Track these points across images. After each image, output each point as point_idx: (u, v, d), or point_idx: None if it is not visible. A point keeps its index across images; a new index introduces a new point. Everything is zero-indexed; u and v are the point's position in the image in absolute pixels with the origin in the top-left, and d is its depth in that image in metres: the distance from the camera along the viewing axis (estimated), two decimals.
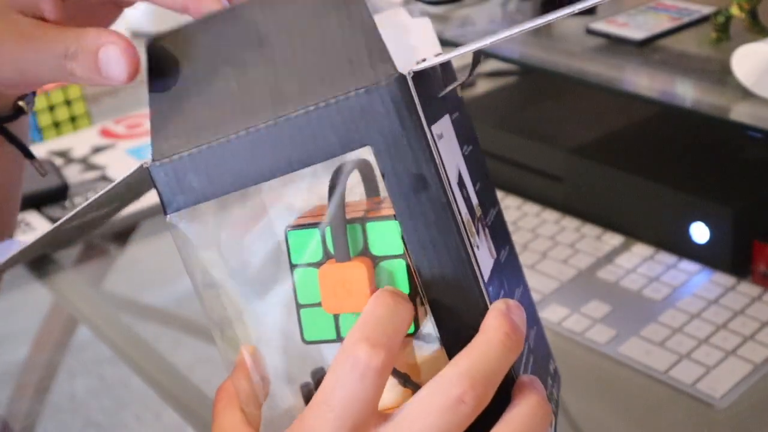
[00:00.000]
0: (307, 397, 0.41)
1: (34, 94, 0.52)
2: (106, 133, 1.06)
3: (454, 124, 0.40)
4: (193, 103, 0.37)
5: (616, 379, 0.66)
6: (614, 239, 0.80)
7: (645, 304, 0.72)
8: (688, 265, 0.75)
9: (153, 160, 0.36)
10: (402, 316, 0.35)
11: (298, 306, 0.39)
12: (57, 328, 1.06)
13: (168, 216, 0.37)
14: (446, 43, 1.03)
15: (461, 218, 0.36)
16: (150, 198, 1.00)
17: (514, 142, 0.89)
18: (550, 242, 0.81)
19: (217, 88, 0.37)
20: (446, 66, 0.41)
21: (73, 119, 1.07)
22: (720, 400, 0.62)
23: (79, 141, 1.04)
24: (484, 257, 0.38)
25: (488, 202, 0.43)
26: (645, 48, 0.82)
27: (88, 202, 0.38)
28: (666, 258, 0.77)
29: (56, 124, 1.06)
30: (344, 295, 0.38)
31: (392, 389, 0.40)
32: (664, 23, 0.85)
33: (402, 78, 0.35)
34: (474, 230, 0.37)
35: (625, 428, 0.63)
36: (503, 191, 0.89)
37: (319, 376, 0.41)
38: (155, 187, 0.37)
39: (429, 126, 0.35)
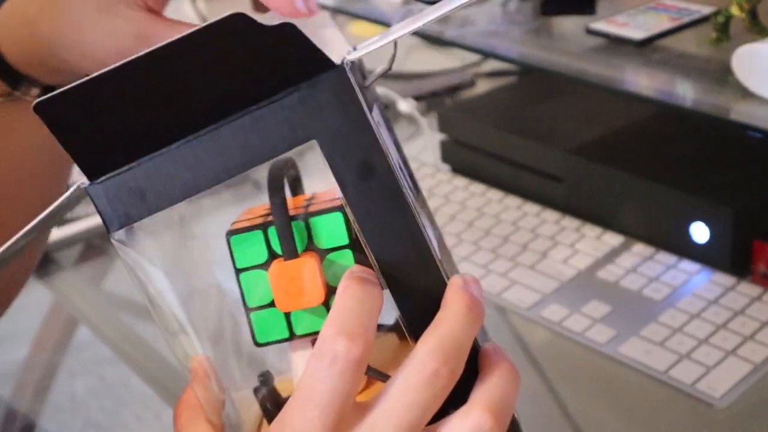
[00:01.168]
0: (263, 401, 0.42)
1: None
2: None
3: (381, 113, 0.42)
4: (112, 123, 0.36)
5: (616, 379, 0.66)
6: (614, 239, 0.80)
7: (645, 304, 0.72)
8: (688, 265, 0.75)
9: (90, 179, 0.36)
10: (373, 301, 0.35)
11: (248, 310, 0.39)
12: (57, 328, 1.06)
13: (112, 235, 0.36)
14: (446, 43, 1.03)
15: (411, 200, 0.36)
16: None
17: (514, 142, 0.89)
18: (550, 242, 0.81)
19: (133, 107, 0.36)
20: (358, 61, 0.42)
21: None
22: (720, 400, 0.62)
23: None
24: (431, 235, 0.38)
25: (414, 186, 0.44)
26: (645, 48, 0.82)
27: (25, 230, 0.37)
28: (666, 258, 0.77)
29: None
30: (297, 292, 0.38)
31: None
32: (664, 23, 0.85)
33: (340, 68, 0.35)
34: (418, 211, 0.38)
35: (625, 428, 0.63)
36: (503, 191, 0.89)
37: (267, 378, 0.42)
38: (95, 206, 0.36)
39: (370, 113, 0.36)
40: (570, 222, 0.83)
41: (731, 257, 0.74)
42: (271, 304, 0.40)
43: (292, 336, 0.40)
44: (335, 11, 1.24)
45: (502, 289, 0.76)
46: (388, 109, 1.08)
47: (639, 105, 0.85)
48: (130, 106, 0.35)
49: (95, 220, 0.88)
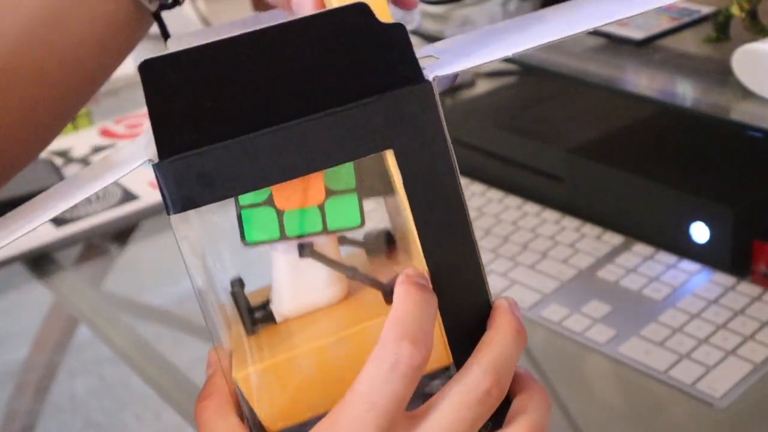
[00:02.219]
0: (236, 297, 0.42)
1: None
2: (106, 133, 1.06)
3: None
4: (202, 99, 0.35)
5: (616, 379, 0.66)
6: (614, 239, 0.80)
7: (645, 304, 0.72)
8: (688, 265, 0.75)
9: (160, 156, 0.35)
10: (433, 308, 0.36)
11: (239, 207, 0.39)
12: (57, 328, 1.06)
13: (171, 216, 0.36)
14: None
15: (470, 219, 0.37)
16: (150, 198, 1.01)
17: (514, 142, 0.89)
18: (550, 242, 0.81)
19: (229, 87, 0.36)
20: None
21: (73, 119, 1.07)
22: (720, 399, 0.62)
23: (79, 141, 1.04)
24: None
25: None
26: (645, 48, 0.82)
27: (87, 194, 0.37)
28: (666, 258, 0.77)
29: None
30: (299, 190, 0.39)
31: (337, 283, 0.42)
32: (664, 23, 0.85)
33: (428, 84, 0.35)
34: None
35: (625, 428, 0.63)
36: (503, 191, 0.89)
37: (237, 287, 0.42)
38: (160, 184, 0.35)
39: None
40: (570, 222, 0.83)
41: (731, 257, 0.74)
42: (267, 202, 0.40)
43: (282, 236, 0.40)
44: None
45: (502, 289, 0.76)
46: None
47: (639, 105, 0.85)
48: (223, 84, 0.34)
49: (95, 220, 0.88)
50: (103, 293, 0.90)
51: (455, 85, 1.15)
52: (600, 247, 0.79)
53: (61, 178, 0.93)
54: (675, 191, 0.76)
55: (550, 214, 0.85)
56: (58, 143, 1.04)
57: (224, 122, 0.35)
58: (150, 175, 0.35)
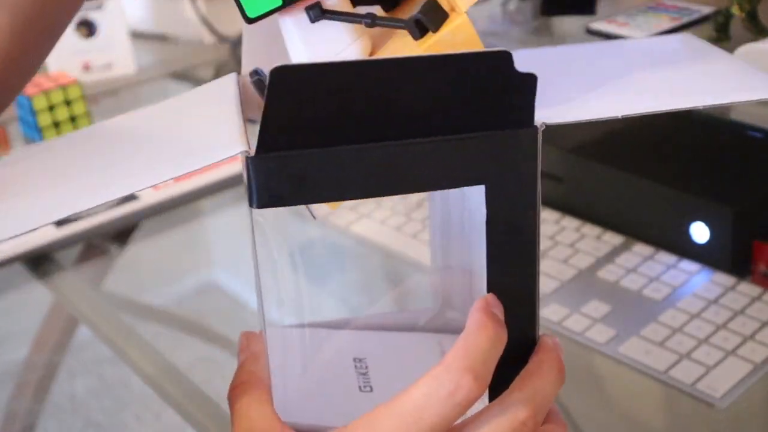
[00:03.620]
0: (258, 85, 0.43)
1: None
2: None
3: None
4: (313, 103, 0.36)
5: (616, 379, 0.66)
6: (614, 239, 0.80)
7: (645, 304, 0.72)
8: (688, 265, 0.75)
9: (258, 150, 0.35)
10: (501, 345, 0.37)
11: None
12: (57, 328, 1.06)
13: (254, 210, 0.36)
14: None
15: (539, 260, 0.39)
16: (150, 198, 1.01)
17: None
18: (550, 242, 0.81)
19: (346, 102, 0.36)
20: None
21: (73, 119, 1.07)
22: (720, 400, 0.62)
23: None
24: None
25: None
26: None
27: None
28: (666, 258, 0.77)
29: (56, 124, 1.06)
30: None
31: (359, 37, 0.42)
32: (664, 23, 0.86)
33: (534, 129, 0.36)
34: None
35: (625, 428, 0.63)
36: None
37: (256, 75, 0.43)
38: (250, 177, 0.35)
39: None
40: (570, 222, 0.83)
41: (731, 257, 0.74)
42: None
43: (284, 2, 0.40)
44: None
45: None
46: None
47: None
48: (341, 98, 0.35)
49: (95, 220, 0.88)
50: (103, 293, 0.90)
51: None
52: (600, 247, 0.79)
53: None
54: (675, 191, 0.76)
55: (550, 214, 0.85)
56: None
57: (329, 132, 0.35)
58: None
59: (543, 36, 0.93)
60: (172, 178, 0.36)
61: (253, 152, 0.35)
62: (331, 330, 0.47)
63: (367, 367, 0.45)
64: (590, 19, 0.88)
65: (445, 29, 0.42)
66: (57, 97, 1.06)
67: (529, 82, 0.36)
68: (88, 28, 1.23)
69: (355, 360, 0.45)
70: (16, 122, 1.11)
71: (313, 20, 0.42)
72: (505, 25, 0.97)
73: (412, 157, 0.36)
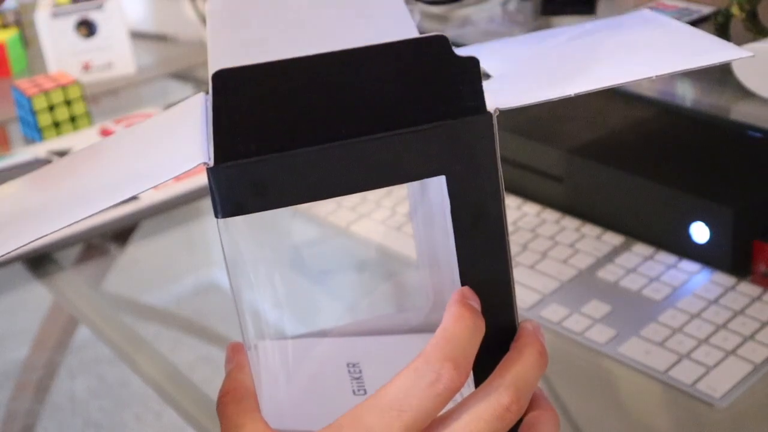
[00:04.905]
0: None
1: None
2: (106, 133, 1.06)
3: None
4: (261, 106, 0.36)
5: (616, 379, 0.66)
6: (614, 239, 0.80)
7: (645, 304, 0.72)
8: (688, 265, 0.75)
9: (216, 161, 0.35)
10: (480, 334, 0.37)
11: None
12: (57, 328, 1.06)
13: (219, 220, 0.36)
14: None
15: (509, 246, 0.38)
16: (150, 198, 1.01)
17: (514, 142, 0.89)
18: (550, 242, 0.81)
19: (295, 102, 0.36)
20: None
21: (73, 119, 1.07)
22: (720, 400, 0.62)
23: (79, 141, 1.04)
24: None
25: None
26: None
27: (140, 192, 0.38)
28: (666, 258, 0.77)
29: (56, 124, 1.06)
30: None
31: None
32: None
33: (488, 116, 0.36)
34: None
35: (625, 428, 0.63)
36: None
37: None
38: (212, 188, 0.36)
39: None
40: (570, 222, 0.83)
41: (731, 257, 0.74)
42: None
43: None
44: None
45: None
46: None
47: (639, 105, 0.85)
48: (290, 99, 0.35)
49: (95, 220, 0.88)
50: (103, 293, 0.90)
51: None
52: (600, 247, 0.79)
53: None
54: (675, 191, 0.76)
55: (550, 214, 0.85)
56: (58, 143, 1.04)
57: (283, 135, 0.35)
58: None
59: None
60: (135, 195, 0.37)
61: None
62: (322, 338, 0.47)
63: (360, 372, 0.45)
64: (590, 19, 0.88)
65: None
66: (57, 97, 1.06)
67: (470, 65, 0.35)
68: (88, 28, 1.23)
69: (348, 365, 0.45)
70: (16, 122, 1.11)
71: None
72: (505, 25, 0.97)
73: (370, 153, 0.35)
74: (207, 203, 0.95)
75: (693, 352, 0.66)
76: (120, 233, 0.92)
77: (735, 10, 0.78)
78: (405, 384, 0.35)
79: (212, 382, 0.70)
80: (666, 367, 0.65)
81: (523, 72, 0.42)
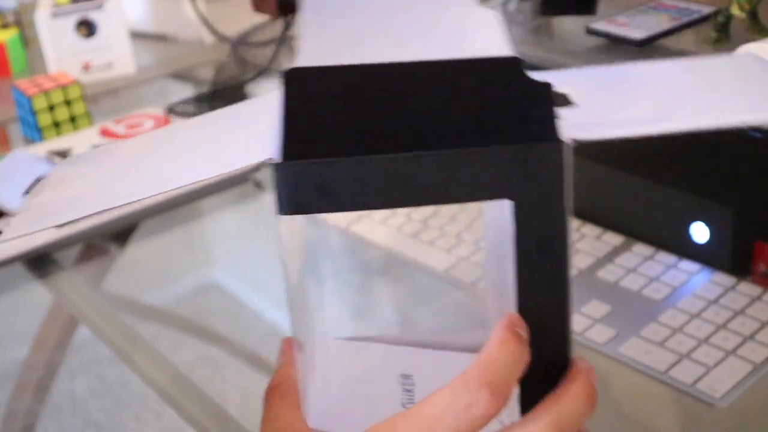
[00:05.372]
0: None
1: None
2: (106, 133, 1.06)
3: None
4: (333, 108, 0.35)
5: (616, 379, 0.66)
6: (614, 239, 0.80)
7: (645, 304, 0.72)
8: (688, 265, 0.75)
9: (284, 157, 0.35)
10: (523, 364, 0.37)
11: None
12: (57, 328, 1.06)
13: (280, 216, 0.36)
14: None
15: (570, 279, 0.37)
16: (150, 198, 1.00)
17: None
18: None
19: (365, 109, 0.36)
20: None
21: (73, 119, 1.07)
22: (720, 400, 0.62)
23: (79, 141, 1.04)
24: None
25: None
26: (645, 48, 0.82)
27: (202, 185, 0.39)
28: (666, 258, 0.77)
29: (56, 124, 1.06)
30: None
31: None
32: (664, 23, 0.86)
33: (561, 144, 0.35)
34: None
35: (625, 428, 0.63)
36: None
37: None
38: (275, 184, 0.35)
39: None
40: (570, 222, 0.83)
41: (731, 257, 0.74)
42: None
43: None
44: None
45: None
46: None
47: None
48: (361, 105, 0.35)
49: (95, 220, 0.88)
50: (103, 293, 0.90)
51: None
52: (600, 247, 0.79)
53: None
54: (675, 191, 0.76)
55: None
56: (58, 143, 1.04)
57: (350, 139, 0.35)
58: None
59: (543, 36, 0.93)
60: (200, 180, 0.37)
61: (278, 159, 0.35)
62: (380, 344, 0.46)
63: (413, 385, 0.44)
64: (590, 19, 0.88)
65: None
66: (57, 97, 1.06)
67: (543, 90, 0.35)
68: (88, 28, 1.23)
69: (402, 376, 0.44)
70: (16, 122, 1.11)
71: None
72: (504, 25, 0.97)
73: (436, 168, 0.35)
74: (207, 203, 0.95)
75: (693, 352, 0.66)
76: (120, 233, 0.92)
77: (735, 10, 0.78)
78: (442, 403, 0.35)
79: (212, 382, 0.70)
80: (666, 367, 0.65)
81: (611, 103, 0.41)
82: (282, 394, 0.40)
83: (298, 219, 0.37)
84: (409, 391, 0.44)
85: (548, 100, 0.35)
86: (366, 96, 0.35)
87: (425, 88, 0.35)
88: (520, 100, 0.35)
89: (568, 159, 0.35)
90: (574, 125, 0.36)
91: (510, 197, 0.35)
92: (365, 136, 0.35)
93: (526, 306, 0.37)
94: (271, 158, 0.35)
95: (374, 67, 0.34)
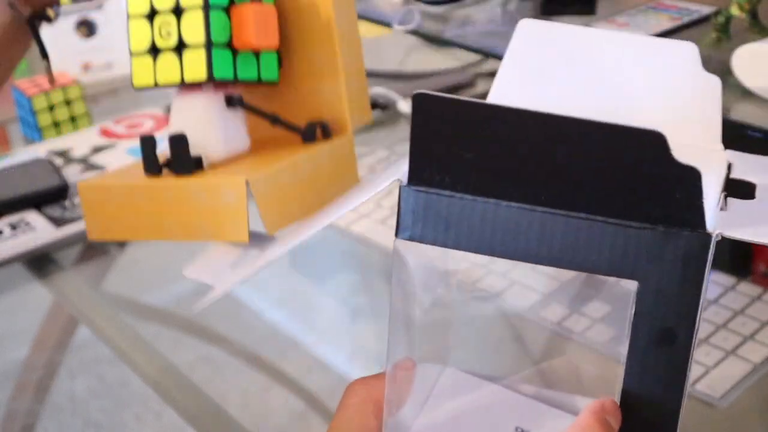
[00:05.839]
0: (142, 139, 0.52)
1: (59, 4, 0.65)
2: (106, 133, 1.06)
3: None
4: (466, 149, 0.34)
5: (616, 379, 0.66)
6: None
7: None
8: None
9: (409, 181, 0.34)
10: None
11: (211, 43, 0.49)
12: (57, 328, 1.06)
13: (396, 239, 0.35)
14: (446, 43, 1.03)
15: (690, 370, 0.35)
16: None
17: None
18: None
19: (495, 150, 0.34)
20: None
21: (73, 119, 1.07)
22: (720, 399, 0.62)
23: (79, 141, 1.04)
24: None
25: None
26: None
27: (334, 213, 0.41)
28: None
29: (56, 124, 1.06)
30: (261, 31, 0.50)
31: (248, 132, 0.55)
32: (664, 23, 0.85)
33: (708, 236, 0.33)
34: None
35: None
36: None
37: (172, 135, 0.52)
38: (399, 205, 0.34)
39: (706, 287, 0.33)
40: None
41: (731, 257, 0.74)
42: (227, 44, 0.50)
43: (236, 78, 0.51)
44: None
45: (502, 289, 0.76)
46: (388, 109, 1.08)
47: None
48: (491, 146, 0.33)
49: None
50: (103, 293, 0.90)
51: (455, 85, 1.15)
52: None
53: (60, 177, 0.93)
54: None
55: None
56: (58, 143, 1.04)
57: (484, 179, 0.33)
58: None
59: None
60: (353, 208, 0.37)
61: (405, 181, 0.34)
62: (500, 387, 0.43)
63: None
64: (590, 19, 0.88)
65: (329, 142, 0.54)
66: (57, 97, 1.06)
67: (690, 174, 0.32)
68: (88, 28, 1.23)
69: (517, 429, 0.41)
70: (16, 122, 1.11)
71: (230, 105, 0.52)
72: (505, 25, 0.97)
73: (565, 231, 0.33)
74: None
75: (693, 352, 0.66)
76: None
77: (735, 10, 0.78)
78: None
79: (212, 382, 0.70)
80: None
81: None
82: (365, 398, 0.38)
83: (415, 244, 0.35)
84: None
85: (696, 186, 0.32)
86: (496, 138, 0.33)
87: (575, 145, 0.32)
88: (663, 180, 0.32)
89: (711, 253, 0.33)
90: (734, 222, 0.33)
91: (637, 279, 0.33)
92: (493, 178, 0.33)
93: (633, 394, 0.35)
94: (399, 179, 0.34)
95: (507, 111, 0.32)
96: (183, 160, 0.51)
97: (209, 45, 0.50)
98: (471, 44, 0.94)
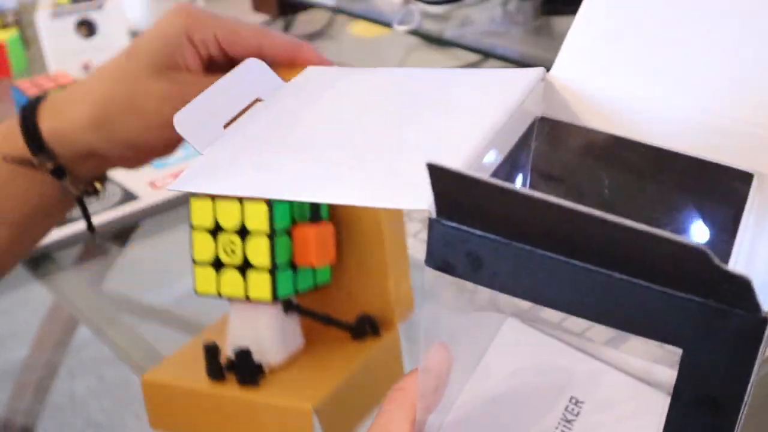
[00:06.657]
0: (206, 347, 0.55)
1: (107, 179, 0.64)
2: None
3: None
4: (489, 206, 0.32)
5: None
6: None
7: None
8: None
9: (438, 215, 0.32)
10: None
11: (276, 267, 0.52)
12: (57, 328, 1.06)
13: (427, 266, 0.34)
14: (446, 43, 1.03)
15: None
16: (150, 198, 1.01)
17: None
18: None
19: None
20: None
21: None
22: None
23: None
24: None
25: None
26: None
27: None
28: None
29: None
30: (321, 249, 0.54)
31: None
32: None
33: (759, 317, 0.30)
34: None
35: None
36: None
37: (237, 351, 0.54)
38: (429, 237, 0.33)
39: (758, 364, 0.32)
40: None
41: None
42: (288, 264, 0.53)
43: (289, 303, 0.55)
44: (335, 11, 1.24)
45: None
46: None
47: None
48: (524, 223, 0.31)
49: (95, 220, 0.88)
50: (103, 293, 0.90)
51: None
52: None
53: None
54: (675, 191, 0.76)
55: None
56: None
57: (520, 220, 0.32)
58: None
59: (543, 36, 0.93)
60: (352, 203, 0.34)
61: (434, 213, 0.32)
62: (554, 343, 0.41)
63: (578, 414, 0.40)
64: None
65: (378, 341, 0.57)
66: None
67: (742, 284, 0.29)
68: (88, 28, 1.23)
69: (571, 399, 0.40)
70: None
71: (288, 311, 0.55)
72: (505, 25, 0.97)
73: (603, 288, 0.31)
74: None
75: None
76: (120, 233, 0.92)
77: None
78: None
79: None
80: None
81: None
82: (403, 401, 0.38)
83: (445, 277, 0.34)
84: (569, 421, 0.40)
85: (750, 292, 0.30)
86: (516, 219, 0.31)
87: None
88: (717, 289, 0.30)
89: (766, 336, 0.30)
90: None
91: (682, 346, 0.31)
92: (537, 221, 0.31)
93: None
94: (429, 210, 0.32)
95: (525, 198, 0.31)
96: (249, 372, 0.53)
97: (274, 269, 0.52)
98: (471, 44, 0.94)
